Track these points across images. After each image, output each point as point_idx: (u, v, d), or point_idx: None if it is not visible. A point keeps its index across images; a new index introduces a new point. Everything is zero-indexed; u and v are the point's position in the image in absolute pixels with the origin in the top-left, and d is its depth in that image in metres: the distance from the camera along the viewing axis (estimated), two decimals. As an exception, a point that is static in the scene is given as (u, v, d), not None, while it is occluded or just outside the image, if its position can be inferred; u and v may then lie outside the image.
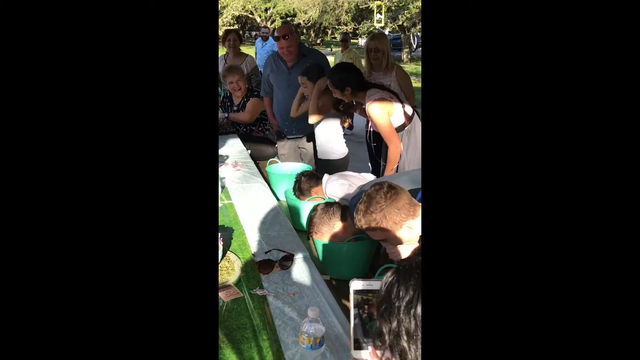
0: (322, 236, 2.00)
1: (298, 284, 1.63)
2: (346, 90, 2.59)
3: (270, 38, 7.08)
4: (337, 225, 1.99)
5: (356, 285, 0.95)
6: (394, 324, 0.77)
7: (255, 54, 7.20)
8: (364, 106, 2.67)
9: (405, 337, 0.76)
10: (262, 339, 1.32)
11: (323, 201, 2.21)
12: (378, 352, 0.93)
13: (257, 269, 1.69)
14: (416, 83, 3.85)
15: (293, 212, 2.48)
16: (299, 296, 1.55)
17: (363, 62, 6.08)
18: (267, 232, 2.05)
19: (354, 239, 1.97)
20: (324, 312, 1.44)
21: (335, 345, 1.30)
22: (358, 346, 0.95)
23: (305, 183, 2.44)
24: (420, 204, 1.58)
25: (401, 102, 2.62)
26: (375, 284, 0.93)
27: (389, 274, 0.84)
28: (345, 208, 2.03)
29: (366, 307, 0.95)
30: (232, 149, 3.37)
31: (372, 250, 2.08)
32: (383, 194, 1.51)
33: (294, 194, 2.49)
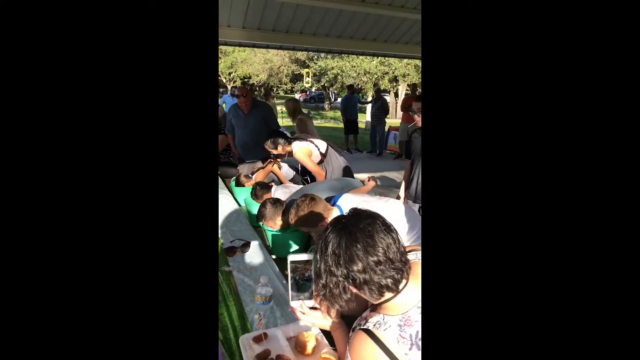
0: (271, 224, 2.01)
1: (253, 262, 1.63)
2: (279, 146, 2.63)
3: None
4: (281, 218, 2.02)
5: (291, 257, 0.98)
6: (320, 265, 0.80)
7: (225, 104, 7.08)
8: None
9: (324, 272, 0.79)
10: (229, 300, 1.31)
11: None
12: (306, 302, 0.96)
13: (225, 253, 1.68)
14: (333, 124, 4.01)
15: (250, 214, 2.49)
16: (254, 270, 1.55)
17: (279, 108, 6.31)
18: (232, 227, 2.03)
19: (294, 230, 2.01)
20: (271, 280, 1.45)
21: (279, 301, 1.32)
22: (294, 298, 0.98)
23: (259, 190, 2.47)
24: (334, 207, 1.65)
25: (316, 145, 2.67)
26: (304, 257, 0.96)
27: (318, 240, 0.85)
28: (284, 204, 2.07)
29: (298, 271, 0.99)
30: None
31: (305, 237, 2.12)
32: (307, 202, 1.57)
33: (252, 198, 2.50)
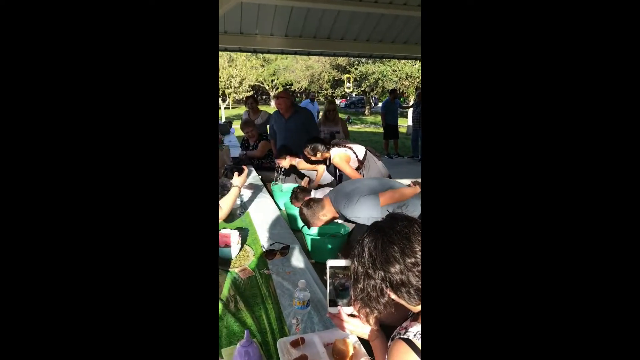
0: (318, 223, 2.01)
1: (292, 266, 1.63)
2: (318, 153, 2.66)
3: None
4: (322, 214, 2.01)
5: (331, 263, 0.97)
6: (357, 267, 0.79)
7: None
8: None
9: (362, 274, 0.78)
10: (268, 303, 1.32)
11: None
12: (344, 309, 0.94)
13: (264, 256, 1.69)
14: (374, 129, 4.04)
15: (290, 217, 2.51)
16: (293, 274, 1.55)
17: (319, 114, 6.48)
18: (272, 231, 2.06)
19: (332, 234, 2.00)
20: (309, 284, 1.45)
21: (317, 306, 1.30)
22: (332, 304, 0.96)
23: (300, 194, 2.49)
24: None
25: (354, 152, 2.66)
26: (343, 262, 0.95)
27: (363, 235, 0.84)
28: (320, 200, 2.07)
29: (337, 278, 0.97)
30: (249, 175, 3.37)
31: (343, 243, 2.10)
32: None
33: (291, 202, 2.52)
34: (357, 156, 2.65)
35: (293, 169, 3.14)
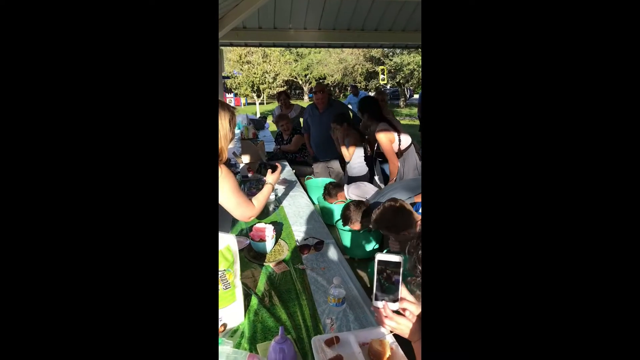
0: (356, 226, 2.01)
1: (327, 261, 1.60)
2: (364, 115, 2.61)
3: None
4: (361, 220, 2.01)
5: (380, 257, 0.93)
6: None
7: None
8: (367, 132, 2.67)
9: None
10: (302, 299, 1.30)
11: (347, 201, 2.22)
12: (389, 304, 0.90)
13: (299, 250, 1.68)
14: (409, 122, 3.89)
15: (324, 212, 2.48)
16: (327, 269, 1.53)
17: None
18: (306, 225, 2.05)
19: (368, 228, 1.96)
20: (344, 281, 1.42)
21: (352, 304, 1.27)
22: (377, 298, 0.93)
23: (333, 189, 2.46)
24: (419, 215, 1.56)
25: (399, 138, 2.59)
26: (394, 258, 0.91)
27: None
28: (366, 205, 2.06)
29: (384, 273, 0.93)
30: (283, 169, 3.39)
31: (379, 238, 2.05)
32: (395, 208, 1.51)
33: (324, 198, 2.50)
34: (400, 144, 2.58)
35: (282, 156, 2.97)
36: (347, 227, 2.14)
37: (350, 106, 6.78)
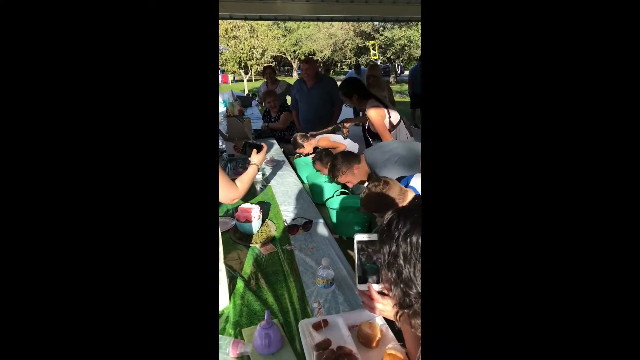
0: (345, 178, 1.98)
1: (316, 241, 1.57)
2: (353, 97, 2.54)
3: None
4: (357, 167, 2.01)
5: (359, 237, 0.90)
6: (393, 247, 0.70)
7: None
8: (361, 114, 2.61)
9: (402, 258, 0.69)
10: (290, 280, 1.27)
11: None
12: (374, 286, 0.87)
13: (286, 231, 1.64)
14: (399, 99, 3.83)
15: (313, 190, 2.43)
16: (316, 250, 1.49)
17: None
18: (295, 205, 2.00)
19: (358, 208, 1.91)
20: (333, 261, 1.38)
21: (342, 285, 1.24)
22: (361, 281, 0.90)
23: (325, 156, 2.38)
24: (408, 189, 1.52)
25: (389, 114, 2.52)
26: (372, 237, 0.87)
27: (389, 212, 0.76)
28: (357, 155, 2.04)
29: (365, 253, 0.90)
30: (271, 148, 3.31)
31: (370, 216, 2.01)
32: (380, 187, 1.46)
33: (314, 163, 2.44)
34: (390, 119, 2.51)
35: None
36: (335, 205, 2.09)
37: None
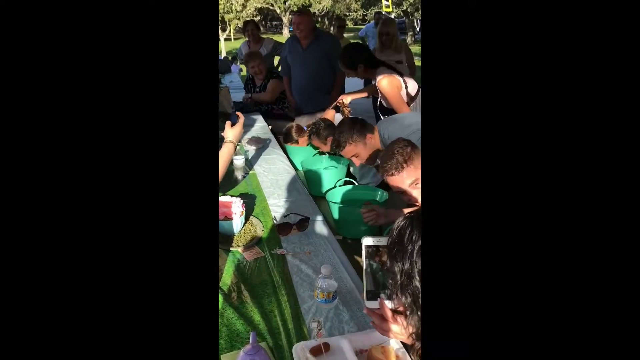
0: (354, 149, 1.97)
1: (313, 244, 1.58)
2: (359, 68, 2.49)
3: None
4: (370, 137, 2.02)
5: (367, 241, 0.91)
6: (407, 265, 0.71)
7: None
8: (373, 82, 2.57)
9: (417, 278, 0.69)
10: (281, 294, 1.29)
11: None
12: (387, 303, 0.87)
13: (277, 231, 1.65)
14: (418, 62, 3.80)
15: (310, 179, 2.42)
16: (314, 254, 1.51)
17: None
18: (287, 198, 2.00)
19: (367, 201, 1.91)
20: (336, 269, 1.40)
21: (347, 299, 1.26)
22: (370, 296, 0.90)
23: (324, 130, 2.36)
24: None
25: (405, 83, 2.49)
26: (384, 240, 0.88)
27: (400, 219, 0.77)
28: (370, 125, 2.06)
29: (377, 258, 0.91)
30: (255, 125, 3.30)
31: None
32: (408, 151, 1.49)
33: (310, 138, 2.43)
34: (407, 89, 2.49)
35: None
36: (338, 198, 2.09)
37: (369, 37, 6.49)
